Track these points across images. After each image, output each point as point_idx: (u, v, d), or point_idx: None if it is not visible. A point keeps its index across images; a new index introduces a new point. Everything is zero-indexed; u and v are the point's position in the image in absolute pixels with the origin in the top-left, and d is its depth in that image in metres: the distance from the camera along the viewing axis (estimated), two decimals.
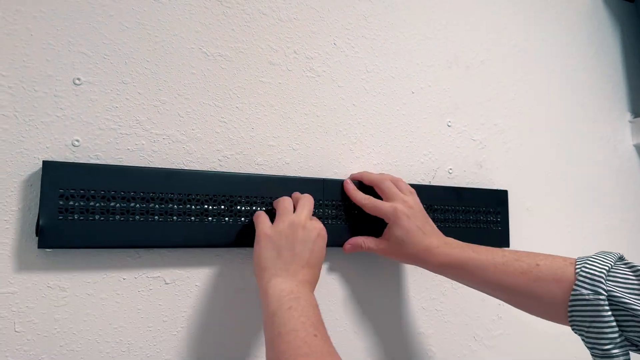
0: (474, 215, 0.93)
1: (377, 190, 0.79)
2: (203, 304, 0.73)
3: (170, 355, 0.70)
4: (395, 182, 0.80)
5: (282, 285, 0.61)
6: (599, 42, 1.27)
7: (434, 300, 0.92)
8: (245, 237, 0.72)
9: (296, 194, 0.73)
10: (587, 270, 0.60)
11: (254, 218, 0.70)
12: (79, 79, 0.68)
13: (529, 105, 1.11)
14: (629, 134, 1.28)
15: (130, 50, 0.71)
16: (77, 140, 0.67)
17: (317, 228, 0.67)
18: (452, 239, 0.75)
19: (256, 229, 0.68)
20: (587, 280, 0.59)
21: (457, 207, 0.91)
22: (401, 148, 0.92)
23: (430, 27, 0.99)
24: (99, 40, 0.69)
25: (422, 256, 0.73)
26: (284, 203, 0.69)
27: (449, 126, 0.98)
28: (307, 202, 0.70)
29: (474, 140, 1.01)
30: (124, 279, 0.68)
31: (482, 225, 0.94)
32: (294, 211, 0.69)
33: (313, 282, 0.65)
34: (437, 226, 0.78)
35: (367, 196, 0.78)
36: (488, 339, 0.98)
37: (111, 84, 0.69)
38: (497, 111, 1.06)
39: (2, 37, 0.64)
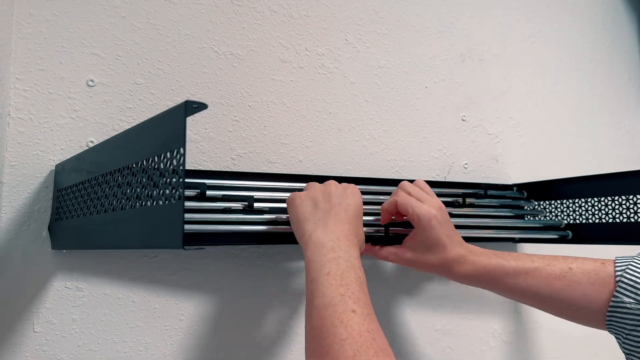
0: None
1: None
2: (220, 302, 0.73)
3: (187, 354, 0.70)
4: (416, 183, 0.72)
5: (323, 239, 0.56)
6: (615, 32, 1.25)
7: (451, 296, 0.91)
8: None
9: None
10: (629, 276, 0.58)
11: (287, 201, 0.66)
12: (92, 81, 0.68)
13: (544, 98, 1.09)
14: None
15: (142, 50, 0.71)
16: (92, 142, 0.67)
17: (349, 185, 0.65)
18: (476, 247, 0.70)
19: (288, 198, 0.65)
20: (629, 288, 0.57)
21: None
22: (415, 144, 0.91)
23: (443, 20, 0.98)
24: (112, 41, 0.70)
25: (447, 267, 0.68)
26: (311, 183, 0.69)
27: (463, 120, 0.97)
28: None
29: (489, 134, 1.00)
30: (140, 278, 0.69)
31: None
32: None
33: (355, 236, 0.59)
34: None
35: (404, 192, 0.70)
36: (506, 334, 0.97)
37: (124, 84, 0.70)
38: (512, 104, 1.04)
39: (16, 40, 0.64)
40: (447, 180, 0.93)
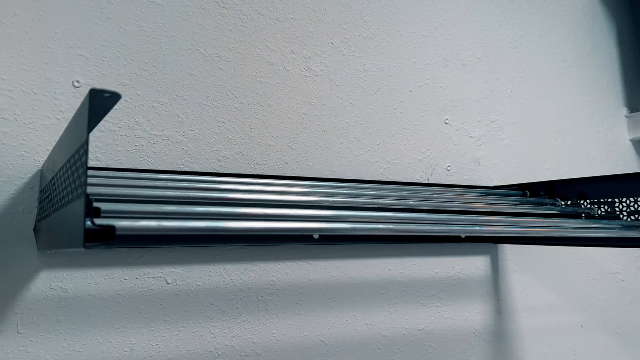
0: None
1: None
2: (205, 304, 0.73)
3: (172, 354, 0.71)
4: None
5: None
6: (595, 37, 1.28)
7: (433, 296, 0.93)
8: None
9: None
10: None
11: None
12: (78, 82, 0.68)
13: (525, 102, 1.11)
14: (626, 128, 1.29)
15: (128, 52, 0.71)
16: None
17: None
18: None
19: None
20: None
21: None
22: (399, 146, 0.93)
23: (427, 25, 0.99)
24: (98, 42, 0.70)
25: None
26: None
27: (446, 123, 0.99)
28: None
29: (471, 137, 1.02)
30: (125, 279, 0.69)
31: None
32: None
33: None
34: None
35: None
36: (487, 334, 0.98)
37: (110, 85, 0.70)
38: (494, 108, 1.06)
39: (1, 40, 0.64)
40: (430, 182, 0.95)
